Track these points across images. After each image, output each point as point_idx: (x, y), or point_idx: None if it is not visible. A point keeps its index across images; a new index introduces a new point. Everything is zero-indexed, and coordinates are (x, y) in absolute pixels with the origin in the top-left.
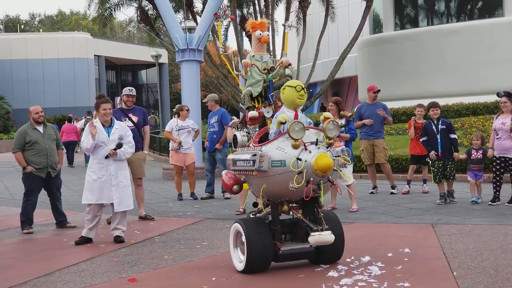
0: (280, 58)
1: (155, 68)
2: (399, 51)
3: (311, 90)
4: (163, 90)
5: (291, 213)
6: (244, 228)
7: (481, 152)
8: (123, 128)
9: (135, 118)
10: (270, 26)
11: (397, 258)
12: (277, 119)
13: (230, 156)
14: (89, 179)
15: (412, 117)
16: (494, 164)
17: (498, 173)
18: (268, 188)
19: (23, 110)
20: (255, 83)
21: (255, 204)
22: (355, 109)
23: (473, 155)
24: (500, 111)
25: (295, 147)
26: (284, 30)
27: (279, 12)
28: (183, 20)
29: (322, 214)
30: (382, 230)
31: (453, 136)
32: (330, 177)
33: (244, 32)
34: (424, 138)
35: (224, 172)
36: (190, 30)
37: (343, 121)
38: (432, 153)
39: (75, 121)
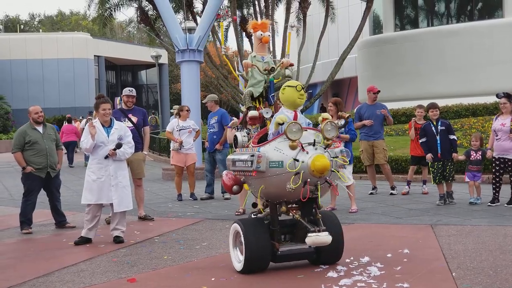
0: (281, 59)
1: (155, 69)
2: (399, 52)
3: (310, 91)
4: (163, 91)
5: (290, 213)
6: (243, 228)
7: (480, 153)
8: (122, 129)
9: (134, 119)
10: (270, 27)
11: (397, 258)
12: (275, 120)
13: (230, 157)
14: (88, 179)
15: (413, 118)
16: (494, 165)
17: (497, 174)
18: (266, 188)
19: (22, 110)
20: (256, 84)
21: (254, 205)
22: (355, 110)
23: (472, 156)
24: (499, 112)
25: (292, 147)
26: (284, 31)
27: (279, 13)
28: (183, 20)
29: (320, 215)
30: (381, 231)
31: (452, 137)
32: (327, 178)
33: (244, 33)
34: (423, 139)
35: (224, 172)
36: (190, 30)
37: (341, 122)
38: (429, 155)
39: (73, 122)
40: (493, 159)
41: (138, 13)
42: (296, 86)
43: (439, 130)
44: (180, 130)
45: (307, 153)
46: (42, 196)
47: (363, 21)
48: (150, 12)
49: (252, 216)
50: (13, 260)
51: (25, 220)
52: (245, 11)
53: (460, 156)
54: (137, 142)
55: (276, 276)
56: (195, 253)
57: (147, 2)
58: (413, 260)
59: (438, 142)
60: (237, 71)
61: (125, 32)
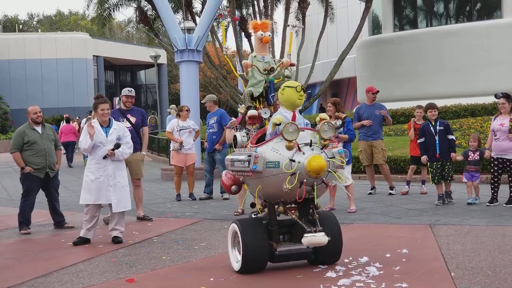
0: (281, 59)
1: (154, 69)
2: (398, 52)
3: (309, 91)
4: (162, 91)
5: (288, 214)
6: (240, 228)
7: (478, 153)
8: (121, 129)
9: (133, 119)
10: (271, 27)
11: (395, 258)
12: (272, 120)
13: (228, 157)
14: (87, 180)
15: (412, 119)
16: (492, 165)
17: (496, 174)
18: (263, 189)
19: (21, 110)
20: (256, 83)
21: (252, 205)
22: (354, 110)
23: (470, 157)
24: (498, 112)
25: (289, 148)
26: (284, 31)
27: (279, 13)
28: (182, 20)
29: (317, 216)
30: (380, 231)
31: (450, 137)
32: (324, 178)
33: (243, 33)
34: (422, 140)
35: (223, 172)
36: (189, 30)
37: (338, 123)
38: (424, 157)
39: (70, 122)
40: (492, 159)
41: (137, 13)
42: (296, 87)
43: (437, 130)
44: (180, 130)
45: (304, 153)
46: (41, 197)
47: (362, 21)
48: (149, 12)
49: (253, 216)
50: (11, 261)
51: (24, 220)
52: (244, 11)
53: (458, 156)
54: (135, 142)
55: (275, 276)
56: (194, 253)
57: (146, 2)
58: (411, 260)
59: (437, 142)
60: (237, 71)
61: (124, 32)
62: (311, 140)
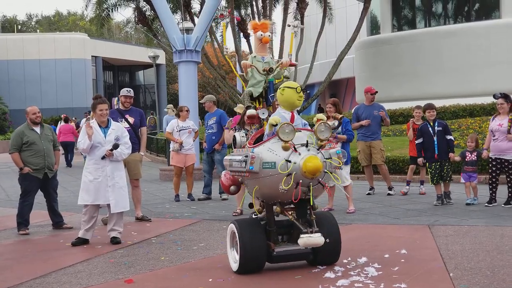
0: (280, 59)
1: (153, 69)
2: (396, 53)
3: (308, 92)
4: (161, 91)
5: (286, 214)
6: (238, 228)
7: (475, 154)
8: (119, 129)
9: (131, 119)
10: (272, 27)
11: (394, 259)
12: (269, 121)
13: (227, 157)
14: (85, 180)
15: (411, 119)
16: (490, 165)
17: (494, 174)
18: (260, 189)
19: (19, 110)
20: (256, 84)
21: (251, 205)
22: (353, 110)
23: (467, 157)
24: (496, 113)
25: (285, 148)
26: (282, 31)
27: (277, 14)
28: (181, 21)
29: (314, 216)
30: (379, 231)
31: (449, 137)
32: (320, 179)
33: (242, 33)
34: (420, 141)
35: (223, 172)
36: (188, 31)
37: (336, 123)
38: (420, 160)
39: (69, 122)
40: (490, 160)
41: (136, 13)
42: (296, 88)
43: (436, 130)
44: (180, 130)
45: (300, 154)
46: (40, 197)
47: (360, 21)
48: (147, 13)
49: (253, 217)
50: (10, 261)
51: (22, 221)
52: (242, 12)
53: (456, 157)
54: (134, 142)
55: (274, 276)
56: (193, 254)
57: (144, 3)
58: (410, 260)
59: (436, 143)
60: (238, 72)
61: (123, 33)
62: (307, 141)
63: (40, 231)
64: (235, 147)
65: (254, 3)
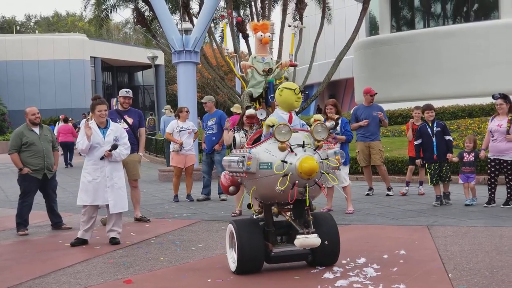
0: (279, 60)
1: (151, 70)
2: (395, 53)
3: (307, 92)
4: (160, 92)
5: (283, 215)
6: (236, 229)
7: (473, 154)
8: (118, 130)
9: (130, 120)
10: (272, 27)
11: (393, 260)
12: (266, 121)
13: (226, 158)
14: (84, 180)
15: (410, 120)
16: (489, 166)
17: (493, 175)
18: (257, 190)
19: (18, 111)
20: (256, 84)
21: (248, 206)
22: (352, 111)
23: (465, 158)
24: (495, 113)
25: (281, 149)
26: (281, 32)
27: (276, 14)
28: (180, 21)
29: (311, 217)
30: (377, 232)
31: (448, 137)
32: (316, 180)
33: (240, 34)
34: (418, 141)
35: (222, 173)
36: (187, 31)
37: (332, 124)
38: (418, 161)
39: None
40: (489, 160)
41: (135, 14)
42: (294, 89)
43: (435, 131)
44: (180, 131)
45: (296, 154)
46: (39, 198)
47: (359, 22)
48: (146, 13)
49: (254, 217)
50: (9, 262)
51: (22, 221)
52: (241, 12)
53: (454, 157)
54: (132, 143)
55: (273, 277)
56: (192, 255)
57: (143, 3)
58: (409, 261)
59: (434, 143)
60: (239, 72)
61: (122, 33)
62: (303, 141)
63: (39, 232)
64: (235, 148)
65: (253, 3)
